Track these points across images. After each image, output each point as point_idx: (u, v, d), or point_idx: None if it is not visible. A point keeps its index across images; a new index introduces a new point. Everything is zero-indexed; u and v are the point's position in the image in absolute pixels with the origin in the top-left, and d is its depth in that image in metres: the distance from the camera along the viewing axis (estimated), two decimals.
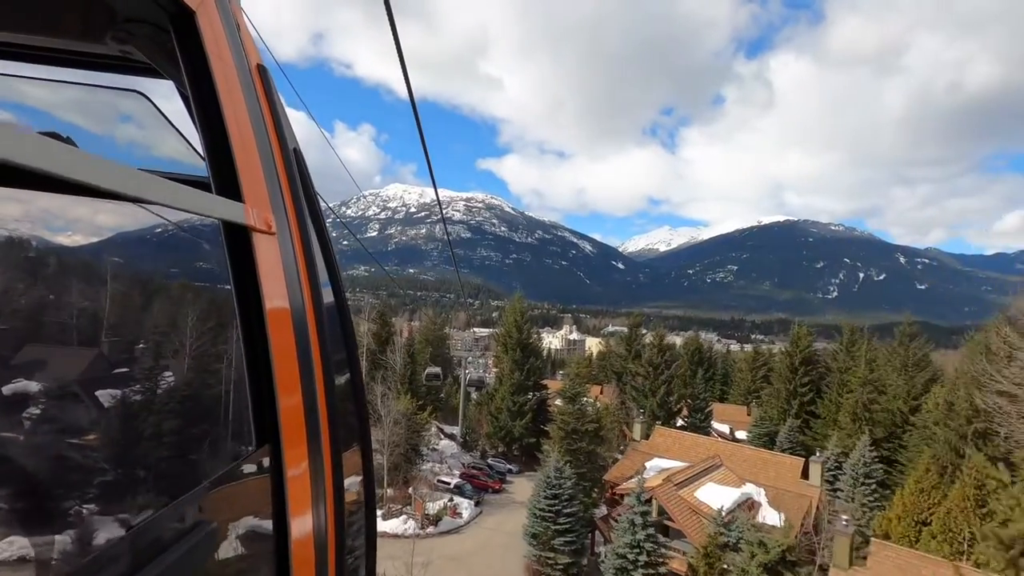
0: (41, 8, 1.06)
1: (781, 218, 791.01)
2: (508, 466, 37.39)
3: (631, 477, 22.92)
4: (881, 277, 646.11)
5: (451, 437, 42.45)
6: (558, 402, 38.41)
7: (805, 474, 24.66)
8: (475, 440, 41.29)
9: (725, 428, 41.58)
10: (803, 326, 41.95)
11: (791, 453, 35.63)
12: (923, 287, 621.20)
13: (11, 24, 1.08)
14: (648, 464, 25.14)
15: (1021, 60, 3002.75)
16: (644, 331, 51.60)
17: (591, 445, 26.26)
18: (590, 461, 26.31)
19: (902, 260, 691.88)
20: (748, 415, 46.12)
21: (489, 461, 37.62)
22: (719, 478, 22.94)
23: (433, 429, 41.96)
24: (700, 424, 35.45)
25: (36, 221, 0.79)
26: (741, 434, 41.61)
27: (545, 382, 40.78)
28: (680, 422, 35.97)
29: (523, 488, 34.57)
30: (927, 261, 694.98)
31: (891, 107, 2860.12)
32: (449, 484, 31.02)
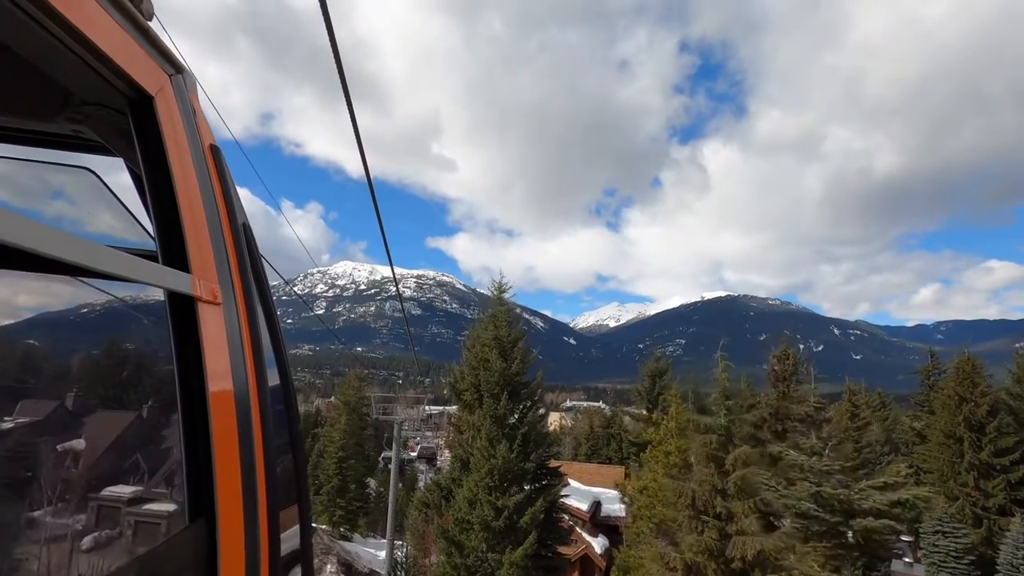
0: None
1: (723, 293, 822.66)
2: None
3: None
4: (819, 348, 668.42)
5: None
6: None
7: None
8: None
9: None
10: (971, 355, 25.35)
11: None
12: (858, 357, 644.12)
13: None
14: None
15: (917, 150, 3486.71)
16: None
17: None
18: None
19: (836, 332, 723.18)
20: None
21: None
22: None
23: (330, 569, 21.18)
24: None
25: None
26: None
27: (556, 464, 20.82)
28: None
29: None
30: (859, 333, 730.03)
31: (812, 190, 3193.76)
32: None
